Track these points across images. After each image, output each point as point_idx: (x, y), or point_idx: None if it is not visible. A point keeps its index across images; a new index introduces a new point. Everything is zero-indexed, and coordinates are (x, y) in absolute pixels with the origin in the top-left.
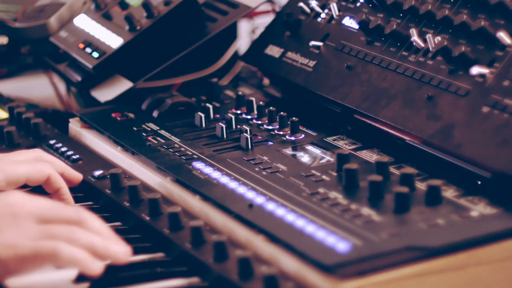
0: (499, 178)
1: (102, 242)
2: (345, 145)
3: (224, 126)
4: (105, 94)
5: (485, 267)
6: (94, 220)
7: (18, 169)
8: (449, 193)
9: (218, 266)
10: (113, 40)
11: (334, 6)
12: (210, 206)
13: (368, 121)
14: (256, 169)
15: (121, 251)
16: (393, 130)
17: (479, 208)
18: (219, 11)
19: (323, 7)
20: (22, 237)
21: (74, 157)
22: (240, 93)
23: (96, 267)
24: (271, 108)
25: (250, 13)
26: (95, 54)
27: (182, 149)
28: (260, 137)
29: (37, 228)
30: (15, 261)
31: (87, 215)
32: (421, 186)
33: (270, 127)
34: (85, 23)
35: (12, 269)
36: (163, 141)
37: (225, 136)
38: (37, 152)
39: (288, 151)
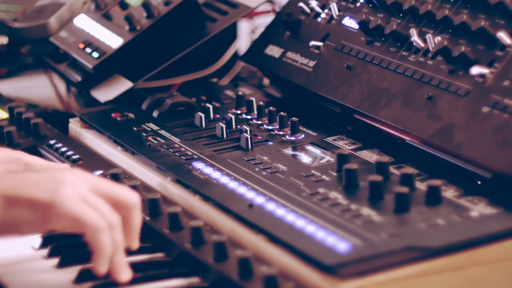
0: (499, 178)
1: (122, 259)
2: (345, 145)
3: (224, 126)
4: (105, 94)
5: (485, 267)
6: (138, 216)
7: None
8: (449, 193)
9: (218, 266)
10: (113, 40)
11: (334, 6)
12: (210, 206)
13: (368, 121)
14: (256, 169)
15: (126, 274)
16: (393, 130)
17: (479, 208)
18: (219, 11)
19: (323, 7)
20: (75, 195)
21: (74, 157)
22: (240, 93)
23: (103, 269)
24: (271, 108)
25: (250, 13)
26: (95, 54)
27: (182, 149)
28: (260, 137)
29: (90, 195)
30: (58, 212)
31: (138, 206)
32: (421, 186)
33: (270, 127)
34: (85, 23)
35: (51, 220)
36: (163, 141)
37: (225, 136)
38: (18, 154)
39: (288, 151)
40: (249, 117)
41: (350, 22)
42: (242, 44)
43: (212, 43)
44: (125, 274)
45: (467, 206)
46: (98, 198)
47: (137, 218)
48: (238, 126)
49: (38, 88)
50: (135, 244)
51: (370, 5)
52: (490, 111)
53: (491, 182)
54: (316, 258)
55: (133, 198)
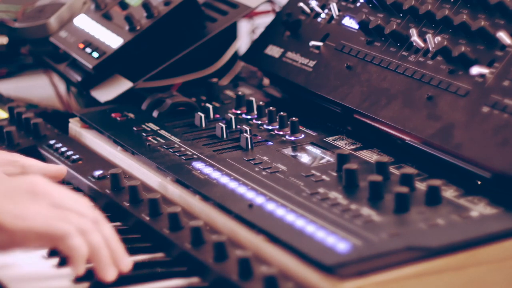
0: (499, 178)
1: (104, 250)
2: (345, 145)
3: (224, 126)
4: (105, 94)
5: (485, 267)
6: (107, 226)
7: None
8: (449, 193)
9: (218, 266)
10: (113, 40)
11: (334, 6)
12: (210, 206)
13: (368, 121)
14: (256, 169)
15: (110, 272)
16: (393, 130)
17: (479, 208)
18: (219, 11)
19: (323, 7)
20: (36, 213)
21: (74, 157)
22: (240, 93)
23: (80, 271)
24: (271, 108)
25: (250, 13)
26: (95, 54)
27: (182, 149)
28: (260, 137)
29: (52, 210)
30: (23, 233)
31: (102, 218)
32: (421, 186)
33: (270, 127)
34: (85, 23)
35: (18, 241)
36: (163, 141)
37: (225, 136)
38: (14, 157)
39: (288, 151)
40: (249, 117)
41: (350, 22)
42: (242, 44)
43: (212, 43)
44: (109, 275)
45: (467, 206)
46: (60, 211)
47: (107, 230)
48: (238, 126)
49: (38, 88)
50: (124, 261)
51: (370, 5)
52: (490, 111)
53: (491, 182)
54: (316, 258)
55: (94, 213)
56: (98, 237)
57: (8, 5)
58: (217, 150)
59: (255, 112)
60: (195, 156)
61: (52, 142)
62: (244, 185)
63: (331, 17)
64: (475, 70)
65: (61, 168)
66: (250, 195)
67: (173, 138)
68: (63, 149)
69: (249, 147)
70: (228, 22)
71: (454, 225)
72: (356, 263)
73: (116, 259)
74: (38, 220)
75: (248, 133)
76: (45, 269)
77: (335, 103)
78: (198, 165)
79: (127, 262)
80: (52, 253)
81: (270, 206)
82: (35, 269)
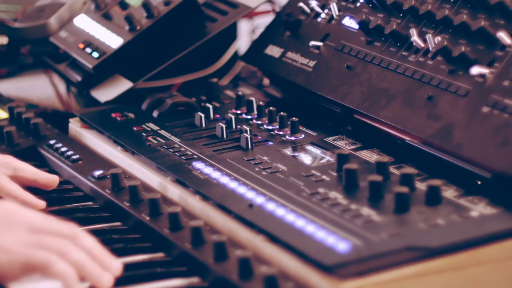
0: (499, 178)
1: (90, 263)
2: (345, 145)
3: (224, 126)
4: (105, 94)
5: (485, 267)
6: (86, 238)
7: None
8: (449, 193)
9: (218, 266)
10: (113, 40)
11: (334, 6)
12: (210, 206)
13: (368, 121)
14: (256, 169)
15: (105, 278)
16: (393, 130)
17: (479, 208)
18: (219, 11)
19: (323, 7)
20: (15, 243)
21: (74, 157)
22: (240, 93)
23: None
24: (271, 108)
25: (250, 13)
26: (95, 54)
27: (182, 149)
28: (260, 137)
29: (30, 237)
30: (5, 265)
31: (80, 232)
32: (421, 186)
33: (270, 127)
34: (85, 23)
35: (4, 274)
36: (163, 141)
37: (225, 136)
38: (7, 158)
39: (288, 151)
40: (249, 117)
41: (350, 22)
42: (242, 44)
43: (212, 43)
44: (105, 281)
45: (467, 206)
46: (39, 236)
47: (87, 242)
48: (238, 126)
49: (38, 88)
50: (113, 265)
51: (370, 5)
52: (490, 111)
53: (491, 182)
54: (316, 258)
55: (71, 229)
56: (79, 254)
57: (8, 5)
58: (217, 150)
59: (255, 112)
60: (195, 156)
61: (52, 142)
62: (244, 185)
63: (331, 17)
64: (475, 70)
65: (52, 178)
66: (250, 195)
67: (173, 138)
68: (63, 149)
69: (249, 147)
70: (228, 22)
71: (454, 225)
72: (356, 263)
73: (105, 266)
74: (19, 250)
75: (248, 133)
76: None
77: (335, 103)
78: (198, 165)
79: (116, 265)
80: None
81: (270, 206)
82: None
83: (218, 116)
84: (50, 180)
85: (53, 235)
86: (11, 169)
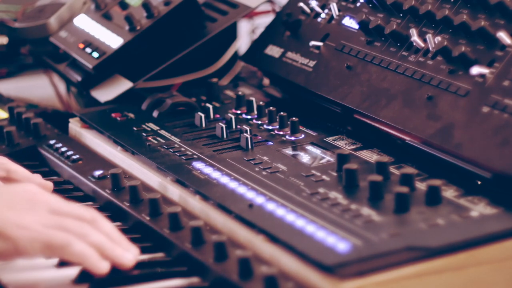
0: (499, 178)
1: (110, 244)
2: (345, 145)
3: (224, 126)
4: (105, 94)
5: (485, 267)
6: (105, 222)
7: None
8: (449, 193)
9: (218, 266)
10: (113, 40)
11: (334, 6)
12: (210, 206)
13: (368, 121)
14: (256, 169)
15: (127, 256)
16: (393, 130)
17: (479, 208)
18: (219, 11)
19: (323, 7)
20: (37, 223)
21: (74, 157)
22: (240, 93)
23: (103, 266)
24: (271, 108)
25: (250, 13)
26: (95, 54)
27: (182, 149)
28: (260, 137)
29: (51, 218)
30: (26, 243)
31: (99, 216)
32: (421, 186)
33: (270, 127)
34: (85, 23)
35: (21, 250)
36: (163, 141)
37: (225, 136)
38: (1, 159)
39: (288, 151)
40: (249, 117)
41: (350, 22)
42: (242, 44)
43: (212, 43)
44: (126, 259)
45: (467, 206)
46: (59, 217)
47: (106, 226)
48: (238, 126)
49: (38, 88)
50: (132, 249)
51: (370, 5)
52: (490, 111)
53: (491, 182)
54: (316, 258)
55: (91, 213)
56: (98, 236)
57: (8, 5)
58: (217, 150)
59: (255, 112)
60: (195, 156)
61: (52, 142)
62: (244, 185)
63: (331, 17)
64: (475, 70)
65: (46, 184)
66: (250, 195)
67: (173, 138)
68: (63, 149)
69: (249, 147)
70: (228, 22)
71: (454, 225)
72: (356, 263)
73: (124, 248)
74: (39, 230)
75: (248, 133)
76: (44, 269)
77: (335, 103)
78: (198, 165)
79: (135, 249)
80: None
81: (270, 206)
82: (35, 269)
83: (218, 116)
84: (43, 184)
85: (73, 218)
86: (4, 171)
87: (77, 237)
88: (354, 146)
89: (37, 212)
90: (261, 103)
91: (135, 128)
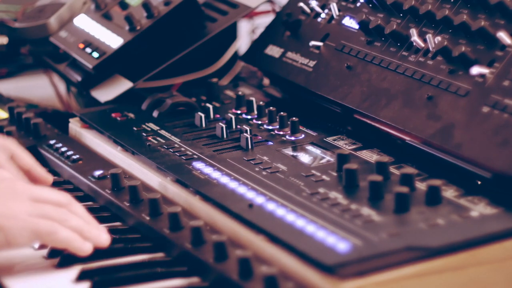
0: (499, 178)
1: (87, 226)
2: (345, 145)
3: (224, 126)
4: (105, 94)
5: (485, 267)
6: (78, 205)
7: None
8: (449, 193)
9: (218, 266)
10: (113, 40)
11: (334, 6)
12: (210, 206)
13: (368, 121)
14: (256, 169)
15: (103, 236)
16: (393, 130)
17: (479, 208)
18: (219, 11)
19: (323, 7)
20: (22, 212)
21: (74, 157)
22: (240, 93)
23: (87, 248)
24: (271, 108)
25: (250, 13)
26: (95, 54)
27: (182, 149)
28: (260, 137)
29: (34, 206)
30: (16, 232)
31: (72, 200)
32: (421, 186)
33: (270, 127)
34: (85, 23)
35: (11, 240)
36: (163, 141)
37: (225, 136)
38: (8, 142)
39: (288, 151)
40: (249, 117)
41: (350, 22)
42: (242, 44)
43: (212, 43)
44: (103, 239)
45: (467, 206)
46: (40, 205)
47: (79, 209)
48: (238, 126)
49: (38, 88)
50: (102, 230)
51: (370, 5)
52: (490, 111)
53: (491, 182)
54: (316, 258)
55: (65, 198)
56: (77, 220)
57: (8, 5)
58: (217, 150)
59: (255, 112)
60: (195, 156)
61: (52, 142)
62: (244, 185)
63: (331, 17)
64: (475, 70)
65: (46, 176)
66: (250, 195)
67: (173, 138)
68: (63, 149)
69: (249, 147)
70: (228, 22)
71: (454, 225)
72: (356, 263)
73: (98, 228)
74: (27, 219)
75: (248, 133)
76: (44, 269)
77: (335, 103)
78: (198, 165)
79: (103, 228)
80: (52, 253)
81: (270, 206)
82: (35, 269)
83: (218, 116)
84: (43, 176)
85: (52, 204)
86: (8, 153)
87: (59, 223)
88: (354, 146)
89: (20, 201)
90: (261, 103)
91: (135, 128)
